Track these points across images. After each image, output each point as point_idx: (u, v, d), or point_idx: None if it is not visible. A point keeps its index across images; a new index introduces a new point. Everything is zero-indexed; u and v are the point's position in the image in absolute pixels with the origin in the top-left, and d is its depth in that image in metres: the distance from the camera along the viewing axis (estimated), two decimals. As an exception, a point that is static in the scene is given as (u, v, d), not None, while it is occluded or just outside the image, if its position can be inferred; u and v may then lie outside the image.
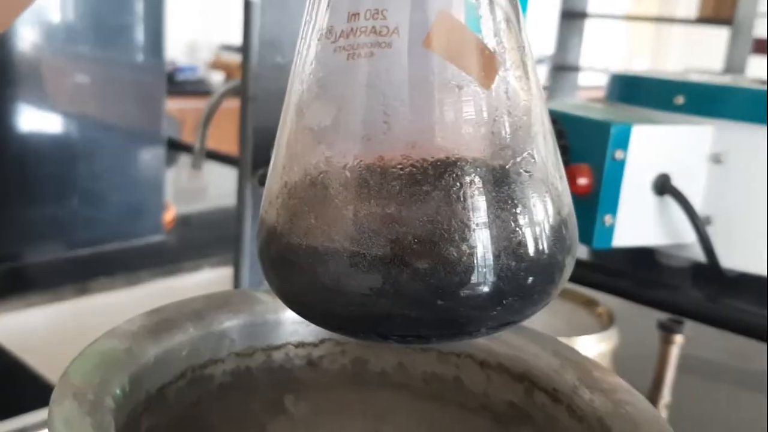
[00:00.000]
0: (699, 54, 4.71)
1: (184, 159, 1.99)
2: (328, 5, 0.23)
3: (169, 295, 1.23)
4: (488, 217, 0.22)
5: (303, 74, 0.24)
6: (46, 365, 1.02)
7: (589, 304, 0.91)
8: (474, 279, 0.22)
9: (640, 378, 0.31)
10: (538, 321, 0.34)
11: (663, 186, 0.54)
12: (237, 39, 3.83)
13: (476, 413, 0.34)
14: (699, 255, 0.57)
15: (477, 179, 0.22)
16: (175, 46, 3.01)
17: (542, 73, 4.64)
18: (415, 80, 0.22)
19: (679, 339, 0.81)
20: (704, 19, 3.70)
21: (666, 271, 0.61)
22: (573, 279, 0.62)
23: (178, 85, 3.21)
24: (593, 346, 0.82)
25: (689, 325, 0.76)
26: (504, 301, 0.23)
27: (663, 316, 0.78)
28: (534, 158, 0.24)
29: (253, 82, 0.80)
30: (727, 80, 0.64)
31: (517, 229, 0.23)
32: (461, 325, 0.23)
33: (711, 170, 0.56)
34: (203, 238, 1.55)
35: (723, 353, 0.98)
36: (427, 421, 0.35)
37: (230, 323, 0.33)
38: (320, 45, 0.24)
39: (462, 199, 0.22)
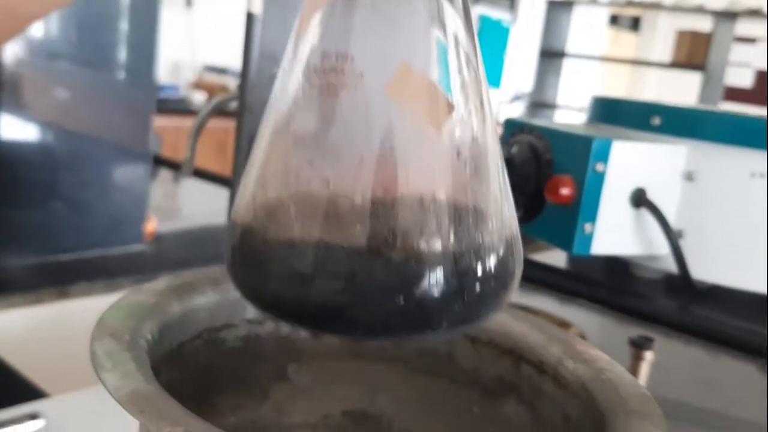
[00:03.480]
0: (672, 97, 4.83)
1: (164, 176, 2.01)
2: (305, 43, 0.26)
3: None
4: (450, 227, 0.25)
5: (280, 96, 0.27)
6: (26, 364, 1.02)
7: (561, 326, 0.94)
8: (437, 275, 0.25)
9: None
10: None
11: (639, 199, 0.58)
12: (221, 60, 3.85)
13: (466, 386, 0.37)
14: (672, 266, 0.60)
15: (438, 196, 0.25)
16: (159, 65, 3.05)
17: (520, 109, 4.73)
18: (376, 120, 0.25)
19: (649, 355, 0.84)
20: (678, 64, 3.81)
21: (640, 282, 0.64)
22: (551, 286, 0.65)
23: (160, 102, 3.22)
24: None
25: (660, 339, 0.79)
26: (464, 299, 0.25)
27: (634, 332, 0.81)
28: (490, 183, 0.27)
29: (251, 93, 0.83)
30: (701, 105, 0.68)
31: (476, 238, 0.26)
32: (424, 319, 0.26)
33: (684, 187, 0.59)
34: (182, 250, 1.57)
35: (691, 373, 1.01)
36: (419, 392, 0.38)
37: (243, 290, 0.35)
38: (295, 76, 0.26)
39: (424, 208, 0.25)
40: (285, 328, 0.37)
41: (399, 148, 0.25)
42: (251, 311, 0.36)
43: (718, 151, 0.58)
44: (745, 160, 0.57)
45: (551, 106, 3.85)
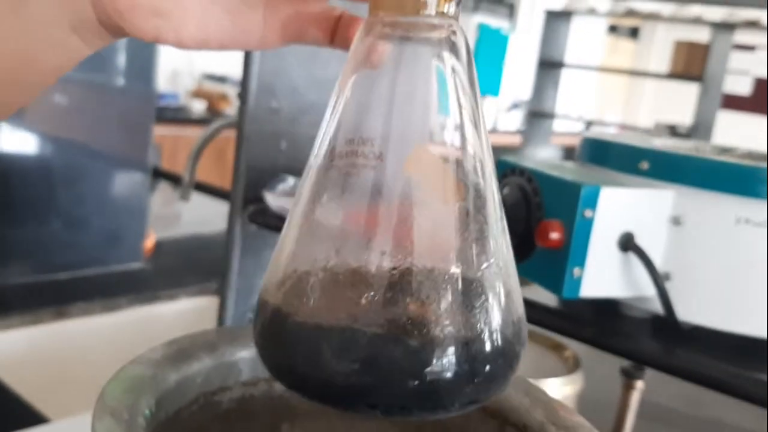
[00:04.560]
0: (669, 107, 4.85)
1: (164, 185, 2.02)
2: (333, 131, 0.29)
3: (146, 323, 1.26)
4: (464, 312, 0.28)
5: (311, 181, 0.30)
6: (24, 386, 1.03)
7: (557, 348, 0.96)
8: (449, 359, 0.27)
9: (602, 421, 0.35)
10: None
11: (627, 243, 0.59)
12: (220, 69, 3.87)
13: (454, 445, 0.38)
14: (658, 308, 0.61)
15: (452, 282, 0.28)
16: (158, 73, 3.06)
17: (518, 118, 4.74)
18: (395, 197, 0.28)
19: (639, 384, 0.86)
20: (675, 75, 3.83)
21: (627, 322, 0.65)
22: (542, 324, 0.66)
23: (159, 111, 3.23)
24: (559, 388, 0.86)
25: (648, 373, 0.81)
26: (474, 381, 0.28)
27: (625, 362, 0.83)
28: (499, 265, 0.29)
29: (249, 124, 0.85)
30: (689, 147, 0.69)
31: (486, 325, 0.28)
32: (438, 400, 0.28)
33: (671, 231, 0.61)
34: (181, 267, 1.58)
35: (679, 401, 1.03)
36: (408, 451, 0.39)
37: (240, 355, 0.37)
38: (324, 161, 0.29)
39: (440, 296, 0.28)
40: (278, 387, 0.38)
41: (418, 230, 0.27)
42: (245, 374, 0.37)
43: (705, 197, 0.59)
44: (731, 206, 0.58)
45: (549, 116, 3.86)
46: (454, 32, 0.29)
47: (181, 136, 3.11)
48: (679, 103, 4.34)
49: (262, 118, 0.85)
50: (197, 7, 0.32)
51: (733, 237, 0.59)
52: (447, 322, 0.27)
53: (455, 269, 0.28)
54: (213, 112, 3.43)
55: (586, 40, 4.83)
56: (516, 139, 4.15)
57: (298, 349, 0.28)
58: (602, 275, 0.59)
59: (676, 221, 0.60)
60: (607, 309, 0.65)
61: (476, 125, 0.29)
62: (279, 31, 0.35)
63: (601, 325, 0.64)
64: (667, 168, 0.61)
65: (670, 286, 0.61)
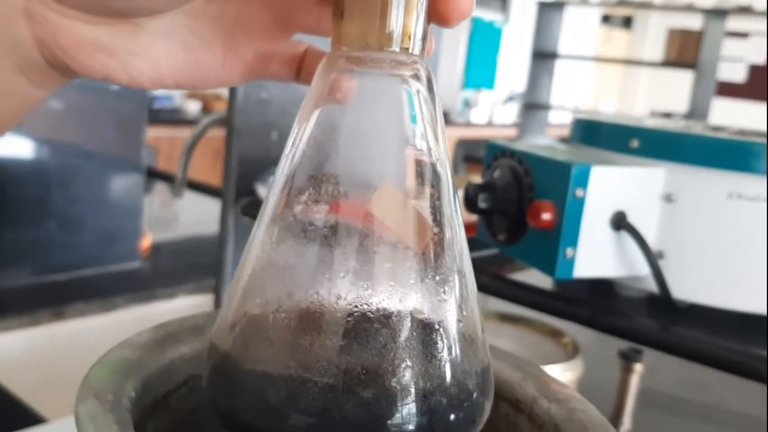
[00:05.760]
0: (664, 95, 4.85)
1: (160, 186, 2.02)
2: (293, 167, 0.28)
3: (144, 323, 1.25)
4: (423, 362, 0.26)
5: (266, 219, 0.29)
6: (23, 387, 1.03)
7: (555, 334, 0.96)
8: (407, 412, 0.26)
9: (601, 406, 0.35)
10: (507, 349, 0.39)
11: (619, 222, 0.59)
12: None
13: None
14: (653, 286, 0.61)
15: (411, 329, 0.27)
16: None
17: (513, 110, 4.74)
18: (356, 238, 0.27)
19: (638, 368, 0.85)
20: (669, 63, 3.83)
21: (623, 301, 0.65)
22: (538, 307, 0.66)
23: (154, 113, 3.23)
24: (559, 374, 0.86)
25: (648, 357, 0.81)
26: None
27: (624, 346, 0.82)
28: (464, 312, 0.28)
29: (239, 116, 0.84)
30: (680, 126, 0.69)
31: (448, 376, 0.27)
32: None
33: (663, 209, 0.60)
34: (178, 266, 1.58)
35: (679, 386, 1.03)
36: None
37: (227, 337, 0.36)
38: (281, 198, 0.28)
39: (397, 345, 0.26)
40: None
41: (377, 274, 0.26)
42: (234, 357, 0.37)
43: (696, 173, 0.59)
44: (722, 182, 0.58)
45: (545, 107, 3.86)
46: (418, 69, 0.28)
47: (177, 137, 3.11)
48: (674, 91, 4.34)
49: (251, 110, 0.85)
50: (149, 45, 0.31)
51: (726, 213, 0.59)
52: (405, 373, 0.26)
53: (416, 316, 0.27)
54: (208, 113, 3.43)
55: (580, 31, 4.82)
56: (512, 132, 4.15)
57: (246, 397, 0.27)
58: (595, 255, 0.59)
59: (668, 198, 0.60)
60: (602, 289, 0.65)
61: (442, 163, 0.28)
62: (240, 68, 0.33)
63: (597, 305, 0.64)
64: (657, 146, 0.60)
65: (663, 264, 0.60)
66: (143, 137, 1.48)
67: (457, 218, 0.29)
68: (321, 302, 0.27)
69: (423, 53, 0.29)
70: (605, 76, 5.68)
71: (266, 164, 0.87)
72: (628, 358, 0.87)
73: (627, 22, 5.78)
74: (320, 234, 0.27)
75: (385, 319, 0.27)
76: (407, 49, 0.28)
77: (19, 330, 1.21)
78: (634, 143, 0.61)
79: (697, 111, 3.52)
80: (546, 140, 3.86)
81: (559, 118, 4.46)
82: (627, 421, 0.85)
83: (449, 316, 0.28)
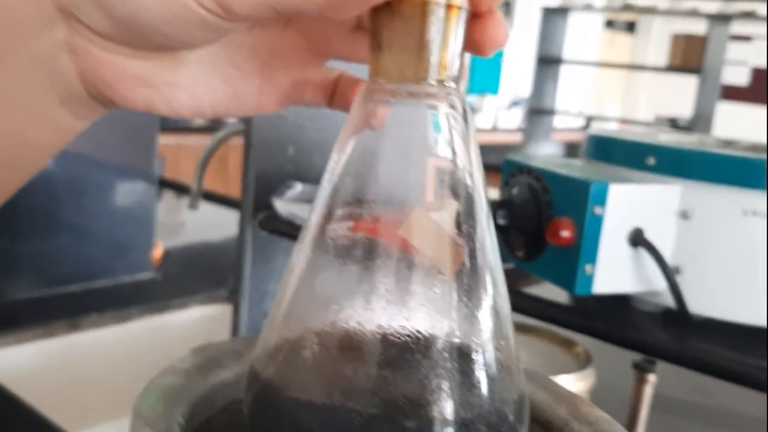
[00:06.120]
0: (668, 100, 4.86)
1: (167, 194, 2.03)
2: (330, 194, 0.29)
3: (158, 333, 1.27)
4: (464, 391, 0.27)
5: (306, 245, 0.29)
6: (39, 399, 1.04)
7: (567, 344, 0.97)
8: None
9: (615, 415, 0.36)
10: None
11: (637, 239, 0.60)
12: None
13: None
14: (669, 301, 0.62)
15: (452, 358, 0.27)
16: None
17: (518, 115, 4.75)
18: (392, 265, 0.28)
19: (652, 378, 0.86)
20: (674, 68, 3.84)
21: (638, 315, 0.66)
22: (555, 321, 0.67)
23: (161, 121, 3.24)
24: (571, 384, 0.87)
25: (659, 365, 0.81)
26: None
27: (635, 356, 0.83)
28: (501, 342, 0.29)
29: (256, 131, 0.85)
30: (694, 141, 0.70)
31: (487, 403, 0.28)
32: None
33: (680, 225, 0.61)
34: (189, 275, 1.59)
35: (689, 391, 1.03)
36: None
37: (265, 361, 0.37)
38: (320, 225, 0.29)
39: (439, 374, 0.27)
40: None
41: (418, 302, 0.27)
42: (271, 380, 0.38)
43: (711, 191, 0.60)
44: (737, 199, 0.59)
45: (549, 112, 3.87)
46: (453, 100, 0.29)
47: (183, 144, 3.12)
48: (678, 95, 4.34)
49: (268, 125, 0.86)
50: (189, 77, 0.31)
51: (741, 229, 0.60)
52: (446, 402, 0.27)
53: (456, 345, 0.27)
54: (214, 120, 3.44)
55: (583, 36, 4.83)
56: (517, 137, 4.16)
57: (289, 426, 0.27)
58: (613, 271, 0.60)
59: (683, 215, 0.61)
60: (618, 303, 0.66)
61: (477, 188, 0.29)
62: (275, 96, 0.34)
63: (612, 319, 0.65)
64: (673, 163, 0.61)
65: (680, 280, 0.61)
66: (155, 147, 1.49)
67: (492, 242, 0.30)
68: (362, 331, 0.27)
69: (459, 83, 0.30)
70: (609, 81, 5.69)
71: (283, 179, 0.88)
72: (642, 369, 0.88)
73: (630, 27, 5.79)
74: (359, 261, 0.28)
75: (426, 348, 0.27)
76: (443, 81, 0.29)
77: (33, 341, 1.23)
78: (650, 160, 0.62)
79: (701, 115, 3.53)
80: (552, 147, 3.87)
81: (564, 122, 4.47)
82: (641, 431, 0.86)
83: (488, 345, 0.29)
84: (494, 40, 0.30)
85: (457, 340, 0.28)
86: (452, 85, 0.29)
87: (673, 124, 3.84)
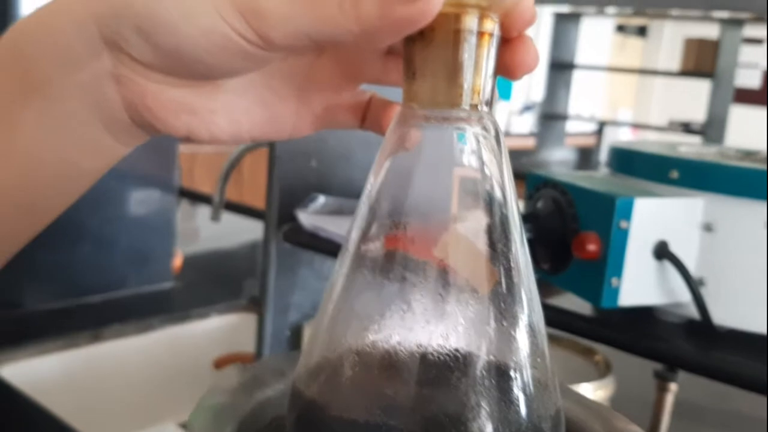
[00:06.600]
0: (681, 103, 4.85)
1: (183, 203, 2.04)
2: (367, 216, 0.30)
3: (179, 343, 1.28)
4: (503, 409, 0.28)
5: (346, 265, 0.30)
6: (62, 409, 1.06)
7: (587, 352, 0.97)
8: None
9: (635, 423, 0.37)
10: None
11: (662, 252, 0.61)
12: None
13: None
14: (693, 312, 0.63)
15: (490, 377, 0.28)
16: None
17: (530, 121, 4.75)
18: (431, 282, 0.28)
19: (673, 387, 0.87)
20: (686, 72, 3.83)
21: (662, 326, 0.67)
22: (577, 332, 0.68)
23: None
24: (591, 393, 0.87)
25: (680, 374, 0.82)
26: None
27: (654, 363, 0.84)
28: (537, 359, 0.29)
29: (280, 143, 0.87)
30: (715, 153, 0.71)
31: (526, 420, 0.28)
32: None
33: (703, 238, 0.62)
34: (208, 283, 1.60)
35: (709, 397, 1.04)
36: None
37: (307, 379, 0.38)
38: (357, 246, 0.30)
39: (481, 392, 0.28)
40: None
41: (456, 321, 0.28)
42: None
43: (733, 203, 0.61)
44: (760, 211, 0.60)
45: (562, 117, 3.87)
46: (486, 123, 0.29)
47: (197, 152, 3.14)
48: (691, 99, 4.34)
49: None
50: (228, 103, 0.33)
51: (763, 241, 0.60)
52: (486, 420, 0.27)
53: (493, 363, 0.28)
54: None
55: (594, 40, 4.83)
56: (530, 142, 4.16)
57: None
58: (639, 284, 0.61)
59: (707, 228, 0.62)
60: (641, 314, 0.67)
61: (509, 206, 0.30)
62: (310, 119, 0.35)
63: (636, 330, 0.66)
64: (696, 176, 0.62)
65: (704, 292, 0.62)
66: (176, 156, 1.50)
67: (526, 259, 0.30)
68: (402, 350, 0.28)
69: (491, 106, 0.30)
70: (620, 85, 5.69)
71: (307, 191, 0.90)
72: (663, 378, 0.88)
73: (642, 31, 5.79)
74: (397, 281, 0.29)
75: (465, 367, 0.28)
76: (476, 105, 0.29)
77: (56, 352, 1.24)
78: (674, 174, 0.63)
79: (715, 119, 3.52)
80: (565, 152, 3.87)
81: (576, 127, 4.47)
82: (663, 439, 0.86)
83: (525, 363, 0.29)
84: (524, 65, 0.31)
85: (495, 359, 0.29)
86: (485, 109, 0.30)
87: (687, 128, 3.83)
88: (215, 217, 1.09)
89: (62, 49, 0.30)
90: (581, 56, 3.91)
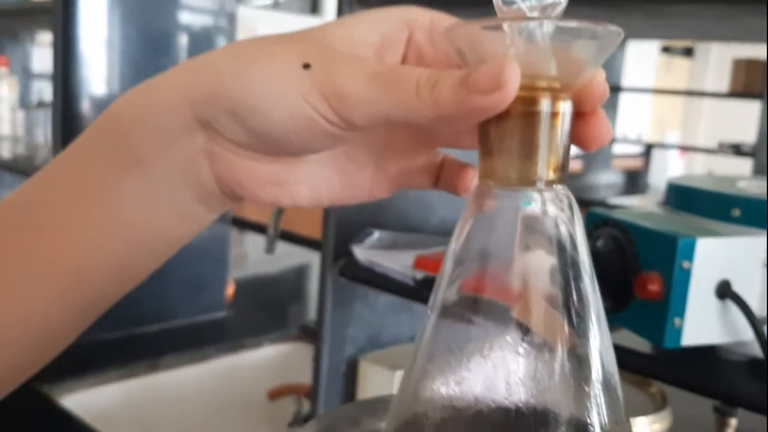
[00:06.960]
0: (730, 125, 4.78)
1: (233, 230, 2.07)
2: (449, 278, 0.31)
3: (233, 372, 1.30)
4: None
5: (434, 317, 0.31)
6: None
7: (642, 383, 0.96)
8: None
9: None
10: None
11: (724, 291, 0.61)
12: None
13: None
14: (757, 350, 0.62)
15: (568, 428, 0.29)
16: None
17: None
18: (507, 345, 0.29)
19: (733, 422, 0.86)
20: (735, 93, 3.78)
21: (724, 364, 0.66)
22: (639, 371, 0.67)
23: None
24: (647, 427, 0.86)
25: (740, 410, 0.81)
26: None
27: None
28: (614, 418, 0.30)
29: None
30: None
31: None
32: None
33: (766, 275, 0.62)
34: (259, 310, 1.62)
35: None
36: None
37: (380, 426, 0.39)
38: (441, 307, 0.31)
39: None
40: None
41: (535, 384, 0.29)
42: (385, 443, 0.40)
43: (798, 242, 0.60)
44: (824, 250, 0.59)
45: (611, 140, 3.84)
46: (561, 197, 0.30)
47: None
48: (740, 120, 4.27)
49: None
50: (311, 174, 0.35)
51: (829, 280, 0.60)
52: None
53: (581, 423, 0.29)
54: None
55: (640, 61, 4.80)
56: (576, 165, 4.14)
57: None
58: (701, 323, 0.61)
59: (771, 266, 0.61)
60: (702, 352, 0.66)
61: (581, 272, 0.30)
62: (386, 184, 0.37)
63: (697, 369, 0.65)
64: (758, 214, 0.62)
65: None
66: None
67: (601, 316, 0.31)
68: (490, 408, 0.29)
69: (566, 180, 0.30)
70: (667, 106, 5.63)
71: (362, 225, 0.91)
72: (723, 413, 0.87)
73: (688, 52, 5.73)
74: (483, 338, 0.30)
75: (556, 425, 0.29)
76: (552, 182, 0.29)
77: (116, 382, 1.27)
78: (736, 212, 0.62)
79: (765, 141, 3.46)
80: (612, 175, 3.84)
81: (623, 149, 4.43)
82: (723, 475, 0.85)
83: (601, 419, 0.30)
84: (598, 138, 0.32)
85: (582, 420, 0.29)
86: (560, 186, 0.30)
87: (737, 150, 3.77)
88: (270, 250, 1.11)
89: (160, 129, 0.32)
90: (627, 78, 3.88)
